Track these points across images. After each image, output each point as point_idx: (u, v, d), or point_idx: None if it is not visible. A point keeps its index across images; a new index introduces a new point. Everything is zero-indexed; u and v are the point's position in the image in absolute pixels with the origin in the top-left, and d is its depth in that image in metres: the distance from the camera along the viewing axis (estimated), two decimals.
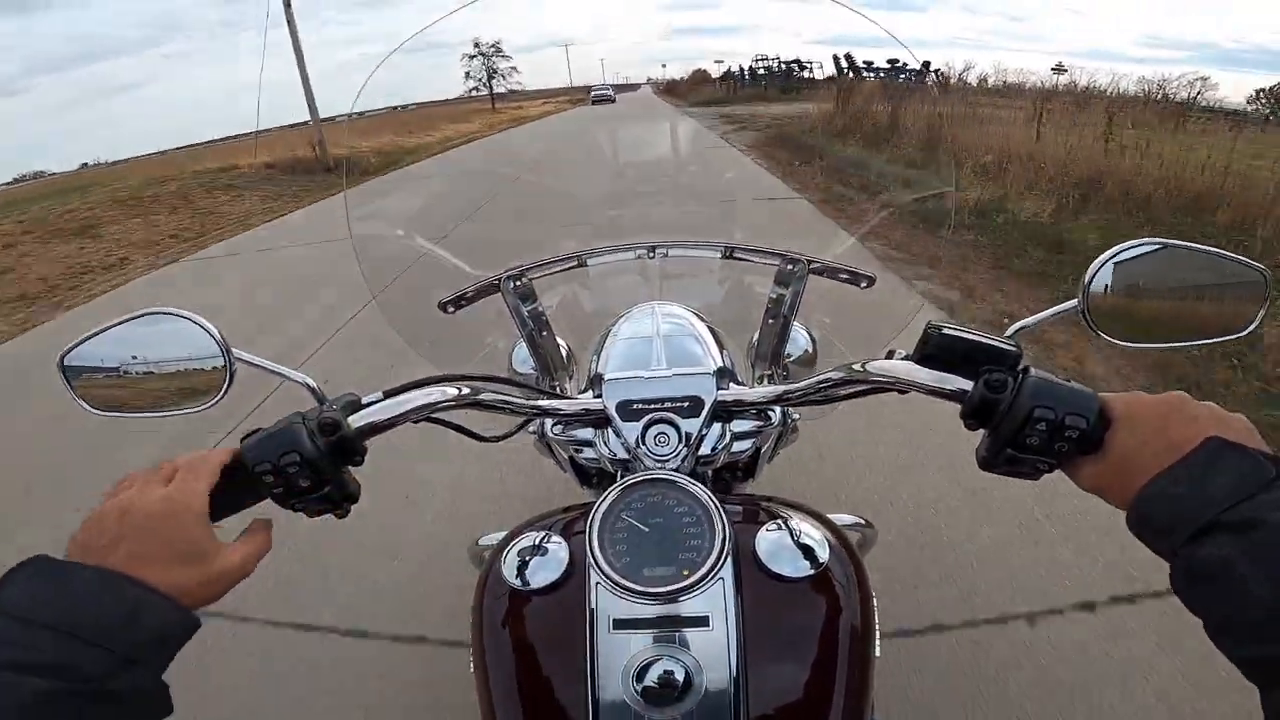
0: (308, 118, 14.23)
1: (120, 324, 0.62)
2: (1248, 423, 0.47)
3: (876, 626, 0.64)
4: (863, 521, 0.97)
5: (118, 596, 0.41)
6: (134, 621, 0.40)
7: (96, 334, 0.63)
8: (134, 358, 0.62)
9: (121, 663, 0.38)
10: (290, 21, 13.53)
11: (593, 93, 3.24)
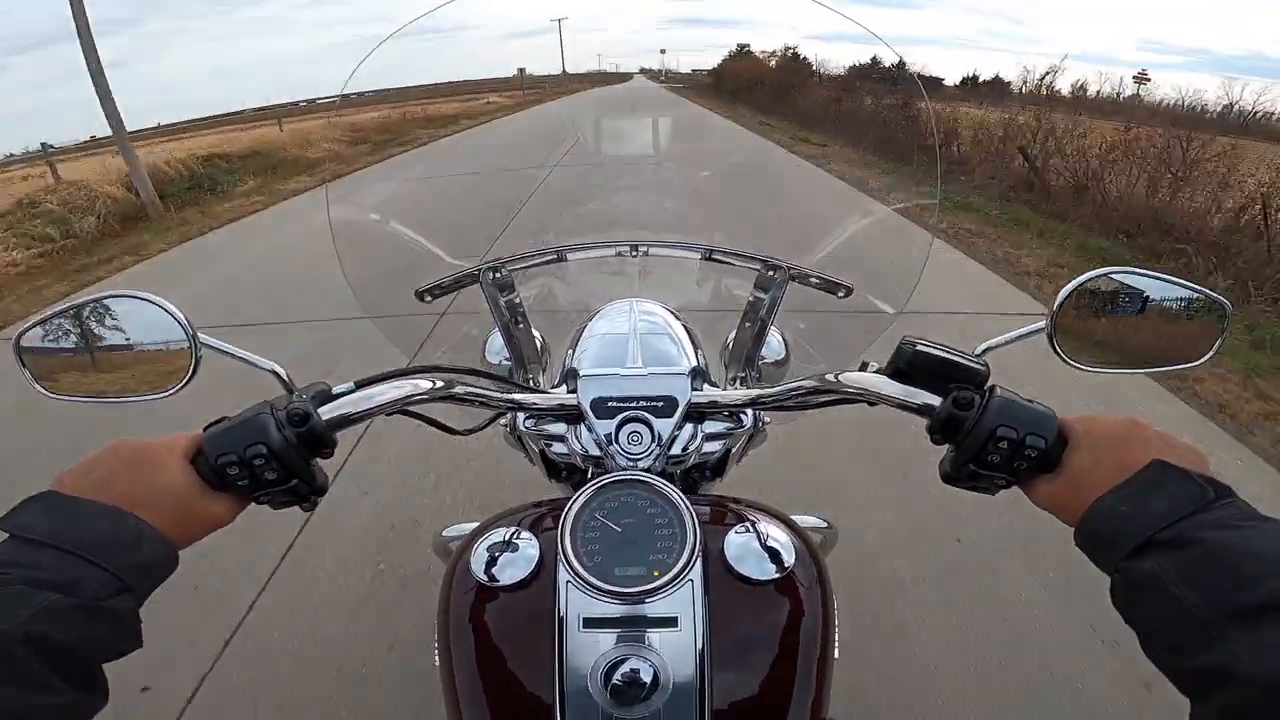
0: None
1: (80, 305, 0.60)
2: (1198, 449, 0.49)
3: (836, 628, 0.65)
4: (824, 523, 0.98)
5: (119, 526, 0.45)
6: (133, 550, 0.44)
7: (55, 316, 0.60)
8: (95, 341, 0.60)
9: (119, 585, 0.43)
10: None
11: None
